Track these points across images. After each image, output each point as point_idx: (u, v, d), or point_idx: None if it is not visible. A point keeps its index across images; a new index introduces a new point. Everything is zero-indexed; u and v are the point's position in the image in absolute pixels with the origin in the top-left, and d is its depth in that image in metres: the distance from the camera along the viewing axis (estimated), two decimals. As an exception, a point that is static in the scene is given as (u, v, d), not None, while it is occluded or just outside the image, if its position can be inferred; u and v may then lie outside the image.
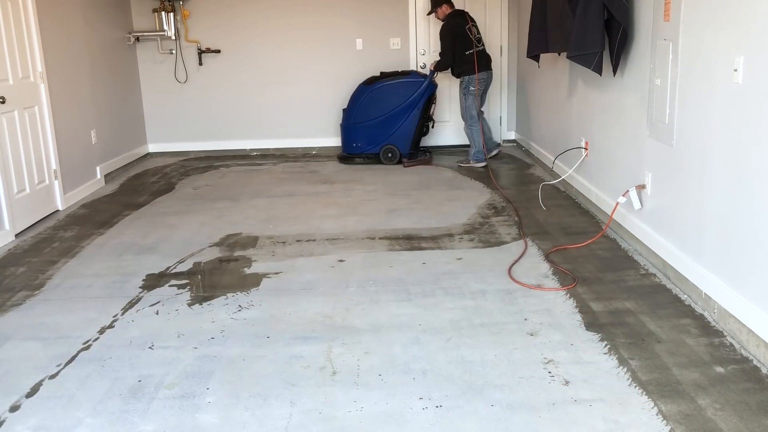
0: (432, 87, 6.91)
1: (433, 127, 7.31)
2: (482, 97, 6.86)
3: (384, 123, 6.91)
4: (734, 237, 2.98)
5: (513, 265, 3.91)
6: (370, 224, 4.85)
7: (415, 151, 7.07)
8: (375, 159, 7.02)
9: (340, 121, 7.27)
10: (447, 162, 7.03)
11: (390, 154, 6.95)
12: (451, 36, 6.58)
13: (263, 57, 7.60)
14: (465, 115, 6.79)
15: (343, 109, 7.16)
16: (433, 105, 7.11)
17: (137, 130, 7.55)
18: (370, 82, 7.00)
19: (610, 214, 4.37)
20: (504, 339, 3.02)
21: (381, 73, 7.17)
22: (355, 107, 6.97)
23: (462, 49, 6.58)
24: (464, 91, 6.71)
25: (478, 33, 6.71)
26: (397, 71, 7.14)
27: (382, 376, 2.73)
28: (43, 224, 5.14)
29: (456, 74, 6.76)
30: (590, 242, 4.24)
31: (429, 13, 6.87)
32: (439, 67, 6.72)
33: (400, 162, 6.96)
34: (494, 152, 7.03)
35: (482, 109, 6.95)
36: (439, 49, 6.86)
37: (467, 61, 6.60)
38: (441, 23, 6.74)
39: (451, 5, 6.73)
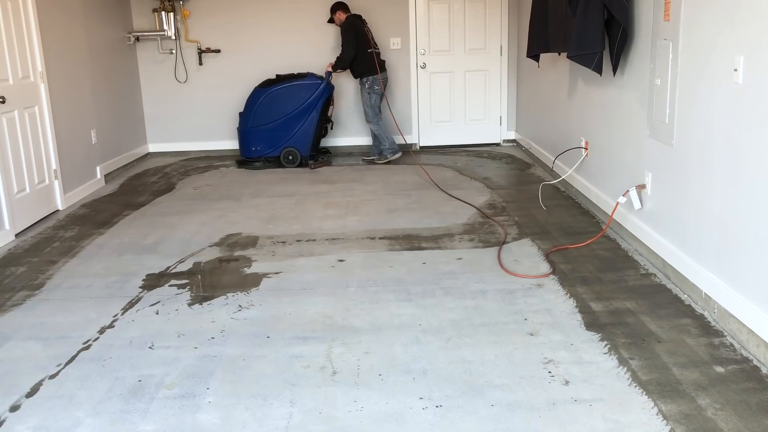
0: (330, 88, 6.98)
1: (332, 128, 7.40)
2: (383, 96, 7.07)
3: (283, 126, 6.91)
4: (734, 237, 2.98)
5: (500, 249, 3.92)
6: (370, 224, 4.85)
7: (315, 153, 7.10)
8: (275, 162, 7.01)
9: (237, 125, 7.22)
10: (440, 160, 7.04)
11: (291, 157, 6.94)
12: (354, 32, 6.77)
13: (263, 57, 7.59)
14: (370, 113, 6.95)
15: (240, 113, 7.12)
16: (331, 107, 7.18)
17: (137, 130, 7.56)
18: (266, 85, 6.97)
19: (610, 214, 4.37)
20: (504, 339, 3.02)
21: (277, 75, 7.15)
22: (253, 111, 6.93)
23: (363, 47, 6.81)
24: (369, 91, 6.90)
25: (374, 38, 6.99)
26: (293, 74, 7.11)
27: (382, 376, 2.73)
28: (43, 224, 5.14)
29: (358, 74, 6.93)
30: (590, 242, 4.25)
31: (329, 21, 7.06)
32: (339, 64, 6.85)
33: (301, 165, 6.97)
34: (397, 157, 7.13)
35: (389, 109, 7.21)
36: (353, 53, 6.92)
37: (369, 61, 6.84)
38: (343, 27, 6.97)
39: (347, 10, 6.94)
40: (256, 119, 6.91)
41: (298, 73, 7.09)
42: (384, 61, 7.03)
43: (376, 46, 6.94)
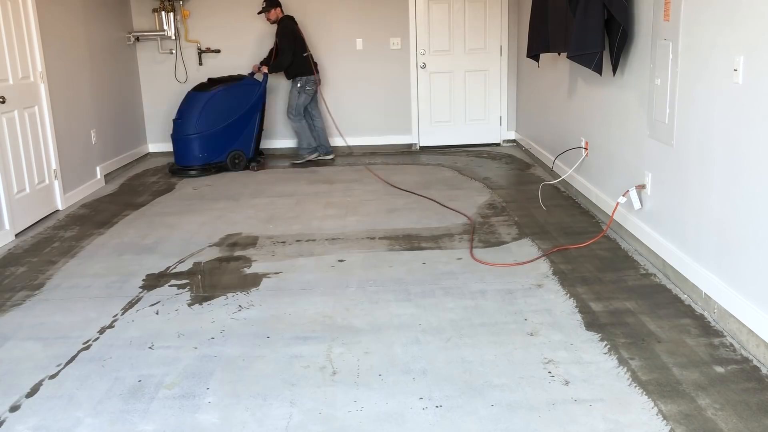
0: (265, 89, 7.00)
1: (262, 129, 7.28)
2: (315, 97, 7.16)
3: (230, 129, 6.74)
4: (734, 237, 2.98)
5: (472, 236, 3.92)
6: (370, 224, 4.85)
7: (256, 155, 7.06)
8: (215, 168, 6.71)
9: (171, 133, 6.76)
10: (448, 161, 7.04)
11: (237, 160, 6.79)
12: (293, 36, 6.81)
13: (263, 56, 7.59)
14: (294, 111, 6.98)
15: (174, 120, 6.72)
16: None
17: (137, 130, 7.55)
18: (203, 88, 6.69)
19: (610, 214, 4.37)
20: (504, 339, 3.02)
21: (209, 79, 6.91)
22: (196, 115, 6.58)
23: (300, 50, 6.88)
24: (300, 90, 6.94)
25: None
26: (225, 77, 6.96)
27: (382, 376, 2.73)
28: (43, 224, 5.14)
29: (292, 75, 6.94)
30: (591, 243, 4.24)
31: (260, 13, 6.98)
32: (277, 67, 6.86)
33: (246, 168, 6.84)
34: (316, 156, 7.19)
35: (314, 112, 7.22)
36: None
37: (304, 63, 6.90)
38: (276, 26, 6.97)
39: (282, 10, 6.95)
40: (202, 124, 6.59)
41: (230, 76, 6.99)
42: (316, 63, 7.07)
43: (308, 48, 6.99)
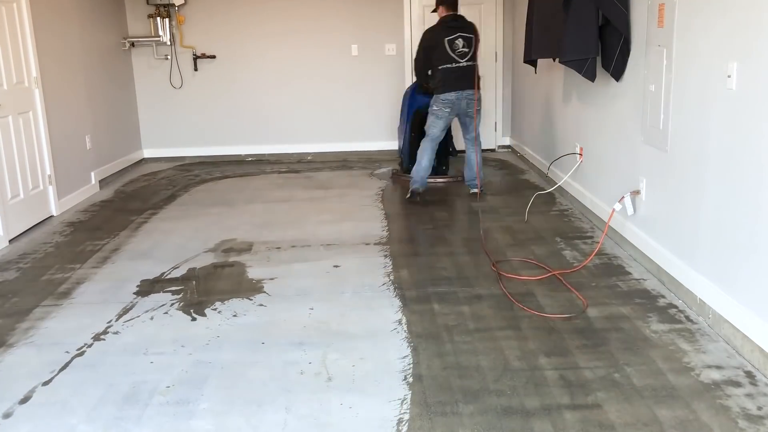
0: None
1: None
2: None
3: None
4: (728, 242, 2.98)
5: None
6: (366, 229, 4.84)
7: None
8: None
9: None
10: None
11: None
12: None
13: (258, 63, 7.60)
14: None
15: None
16: None
17: (132, 136, 7.54)
18: None
19: (605, 219, 4.37)
20: (499, 344, 3.01)
21: None
22: None
23: None
24: None
25: None
26: None
27: (377, 382, 2.72)
28: (37, 230, 5.12)
29: None
30: (588, 260, 4.25)
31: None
32: None
33: None
34: None
35: None
36: None
37: None
38: None
39: None
40: None
41: None
42: None
43: None
